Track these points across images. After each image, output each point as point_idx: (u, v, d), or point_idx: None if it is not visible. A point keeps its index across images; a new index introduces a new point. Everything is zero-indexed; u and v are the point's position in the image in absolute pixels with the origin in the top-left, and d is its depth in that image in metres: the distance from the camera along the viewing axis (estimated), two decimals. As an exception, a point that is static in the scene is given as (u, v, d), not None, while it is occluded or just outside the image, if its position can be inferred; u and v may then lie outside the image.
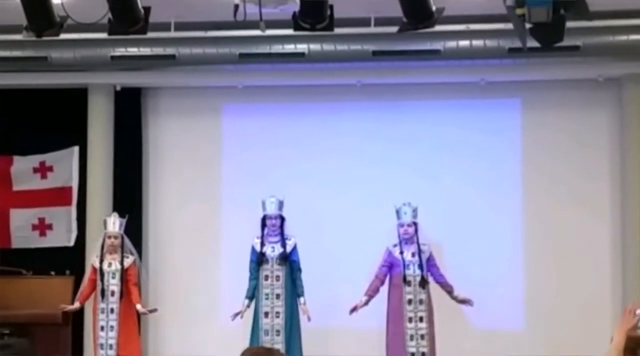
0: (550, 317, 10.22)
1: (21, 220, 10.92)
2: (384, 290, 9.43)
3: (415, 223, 9.39)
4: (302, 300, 9.48)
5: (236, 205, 10.72)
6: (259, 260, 9.54)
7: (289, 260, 9.55)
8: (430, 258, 9.41)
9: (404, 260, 9.32)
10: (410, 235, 9.35)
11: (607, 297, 9.99)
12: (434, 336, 9.37)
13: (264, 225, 9.61)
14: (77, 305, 9.68)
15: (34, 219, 10.89)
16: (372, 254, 9.96)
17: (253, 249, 9.61)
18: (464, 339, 10.23)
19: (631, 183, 10.26)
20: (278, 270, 9.53)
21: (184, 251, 10.96)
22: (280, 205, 9.58)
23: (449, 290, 9.38)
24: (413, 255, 9.34)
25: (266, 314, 9.50)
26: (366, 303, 9.29)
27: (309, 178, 10.69)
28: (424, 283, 9.29)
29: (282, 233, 9.59)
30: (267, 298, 9.51)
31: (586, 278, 10.32)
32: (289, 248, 9.56)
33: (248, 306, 9.49)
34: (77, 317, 9.88)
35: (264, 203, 9.59)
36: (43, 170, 10.92)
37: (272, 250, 9.56)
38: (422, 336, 9.27)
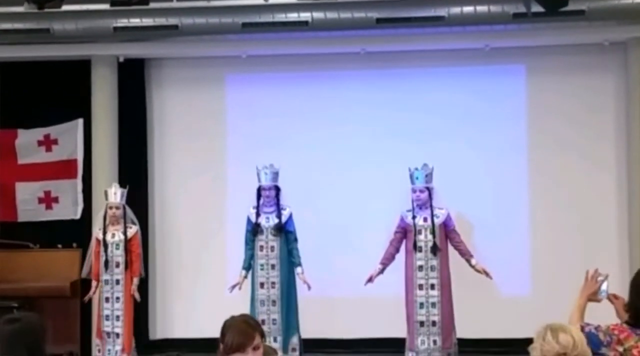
0: (556, 281, 10.20)
1: (27, 194, 10.92)
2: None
3: (428, 188, 9.15)
4: (299, 269, 9.41)
5: (241, 175, 10.67)
6: (254, 230, 9.50)
7: (284, 231, 9.48)
8: (447, 224, 9.16)
9: (415, 226, 9.15)
10: (423, 201, 9.14)
11: (615, 261, 9.98)
12: (450, 304, 9.15)
13: (259, 195, 9.54)
14: (94, 285, 9.60)
15: (39, 192, 10.90)
16: (378, 223, 9.98)
17: (248, 219, 9.57)
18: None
19: (637, 147, 10.23)
20: (273, 240, 9.48)
21: (189, 222, 10.97)
22: (275, 176, 9.51)
23: (467, 257, 9.10)
24: (425, 220, 9.13)
25: (262, 285, 9.47)
26: (381, 271, 9.14)
27: (313, 147, 10.68)
28: (435, 249, 9.10)
29: (277, 204, 9.52)
30: (262, 269, 9.47)
31: (593, 243, 10.31)
32: (284, 219, 9.48)
33: (245, 277, 9.47)
34: (85, 289, 9.88)
35: (258, 174, 9.52)
36: (48, 143, 10.90)
37: (267, 221, 9.50)
38: (433, 304, 9.07)
